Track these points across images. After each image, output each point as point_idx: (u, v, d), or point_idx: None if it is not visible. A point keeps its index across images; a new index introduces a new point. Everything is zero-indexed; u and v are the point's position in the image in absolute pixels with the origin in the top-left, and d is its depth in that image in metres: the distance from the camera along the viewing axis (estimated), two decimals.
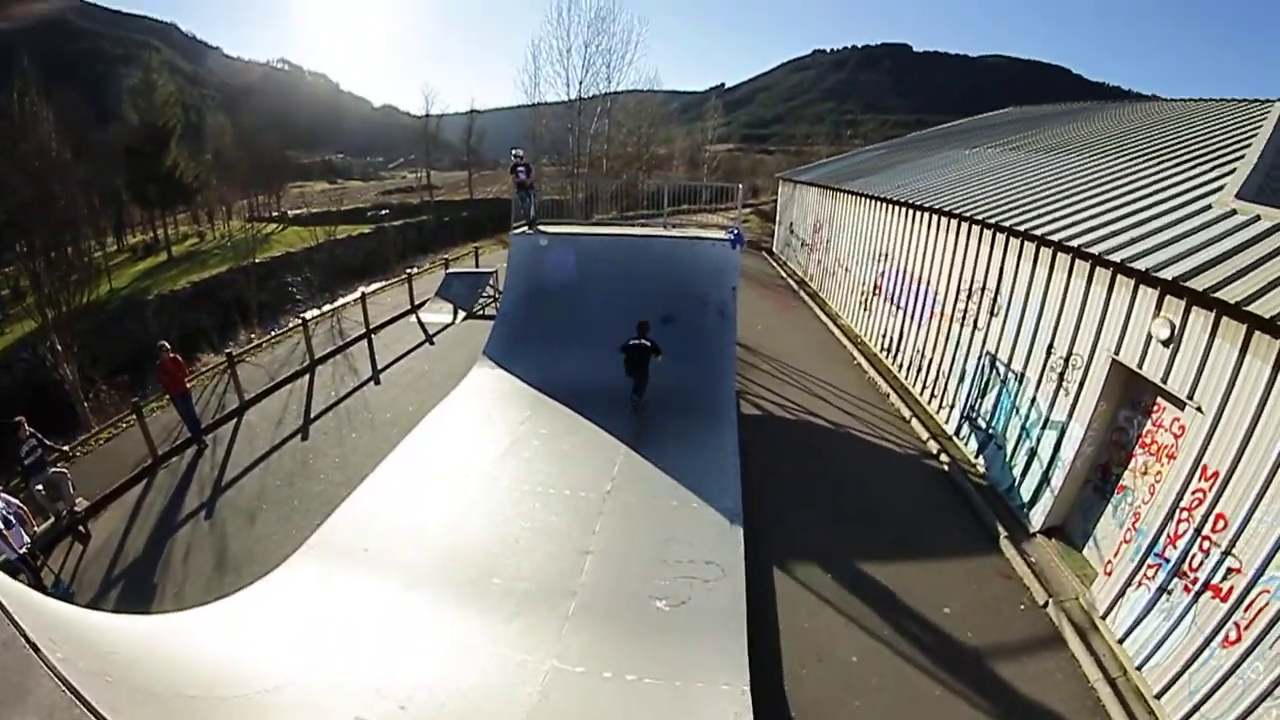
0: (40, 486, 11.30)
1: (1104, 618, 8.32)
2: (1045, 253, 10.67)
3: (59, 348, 28.91)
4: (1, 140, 36.94)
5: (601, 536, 10.06)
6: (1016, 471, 10.97)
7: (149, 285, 46.30)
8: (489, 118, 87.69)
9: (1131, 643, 7.78)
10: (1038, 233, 10.68)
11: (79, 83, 52.37)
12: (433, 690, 7.28)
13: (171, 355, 13.64)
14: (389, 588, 9.02)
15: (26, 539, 10.08)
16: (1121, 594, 8.11)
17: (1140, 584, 7.86)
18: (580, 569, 9.38)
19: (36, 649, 4.75)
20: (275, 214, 68.24)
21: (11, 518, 9.92)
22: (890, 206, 17.67)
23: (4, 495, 10.17)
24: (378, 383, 17.14)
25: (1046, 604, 8.86)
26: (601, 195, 26.89)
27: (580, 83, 49.18)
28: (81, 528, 11.51)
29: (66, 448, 13.33)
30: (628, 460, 12.11)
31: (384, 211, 64.87)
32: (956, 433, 13.29)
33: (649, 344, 13.31)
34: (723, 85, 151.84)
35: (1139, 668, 7.57)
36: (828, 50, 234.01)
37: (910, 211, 16.24)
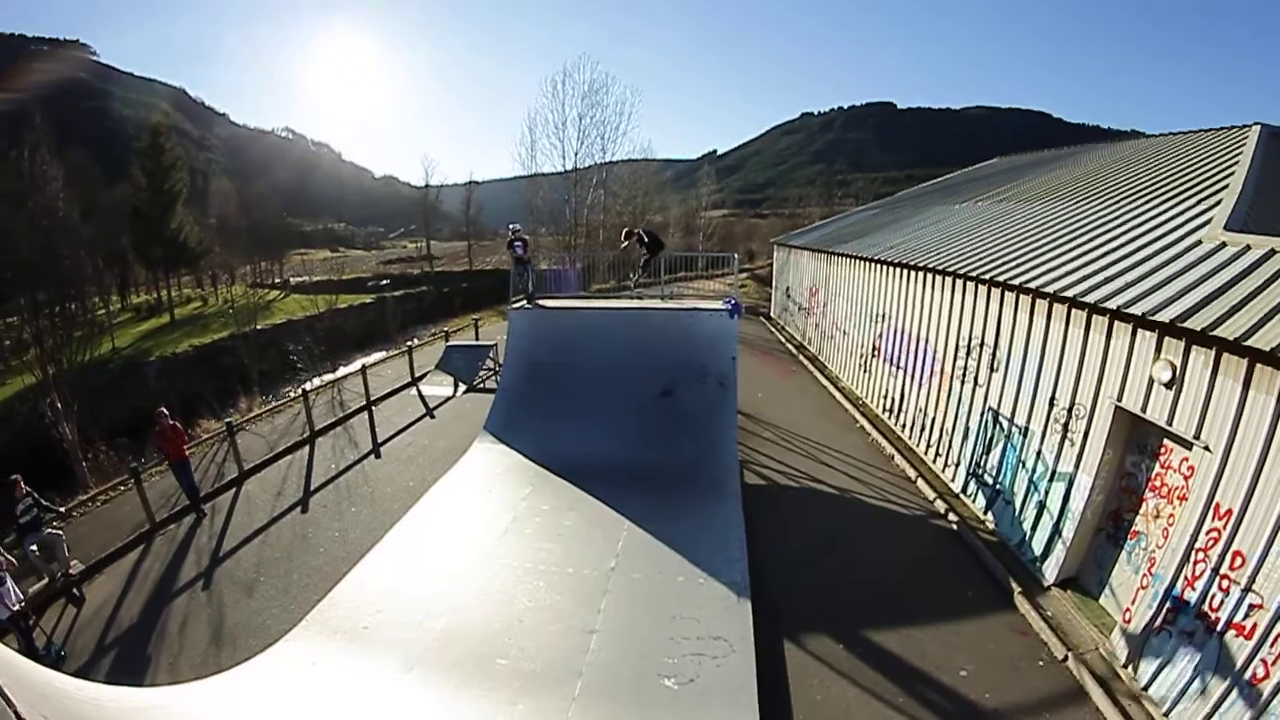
0: (34, 547, 11.27)
1: (1126, 666, 8.18)
2: (1041, 304, 10.70)
3: (59, 405, 28.91)
4: (10, 197, 37.50)
5: (607, 615, 9.86)
6: (1027, 525, 10.85)
7: (151, 346, 46.78)
8: (487, 189, 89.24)
9: (1157, 688, 7.64)
10: (1032, 285, 10.74)
11: (90, 139, 53.60)
12: None
13: (171, 423, 13.65)
14: (388, 668, 8.85)
15: (19, 597, 9.95)
16: (1143, 641, 7.99)
17: (1161, 629, 7.75)
18: (586, 648, 9.17)
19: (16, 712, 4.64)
20: (277, 280, 69.20)
21: (4, 574, 9.81)
22: (885, 267, 17.78)
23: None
24: (378, 456, 17.05)
25: (1066, 658, 8.68)
26: (599, 265, 27.16)
27: (576, 154, 50.59)
28: (76, 590, 11.45)
29: (63, 509, 13.34)
30: (631, 535, 11.93)
31: (385, 281, 65.70)
32: (963, 490, 13.16)
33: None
34: (714, 152, 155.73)
35: (1166, 714, 7.42)
36: (815, 113, 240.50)
37: (905, 271, 16.32)
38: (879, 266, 18.21)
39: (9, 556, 10.27)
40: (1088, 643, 8.85)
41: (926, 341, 15.10)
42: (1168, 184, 13.35)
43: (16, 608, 9.76)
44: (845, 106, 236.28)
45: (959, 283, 13.41)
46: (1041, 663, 8.70)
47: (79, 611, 11.00)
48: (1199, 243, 9.59)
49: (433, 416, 20.11)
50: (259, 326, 45.50)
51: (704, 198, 73.57)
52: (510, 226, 18.66)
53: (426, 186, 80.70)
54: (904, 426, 16.37)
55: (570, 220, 51.26)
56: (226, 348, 45.03)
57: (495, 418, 16.56)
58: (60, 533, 11.82)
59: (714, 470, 13.95)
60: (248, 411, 22.13)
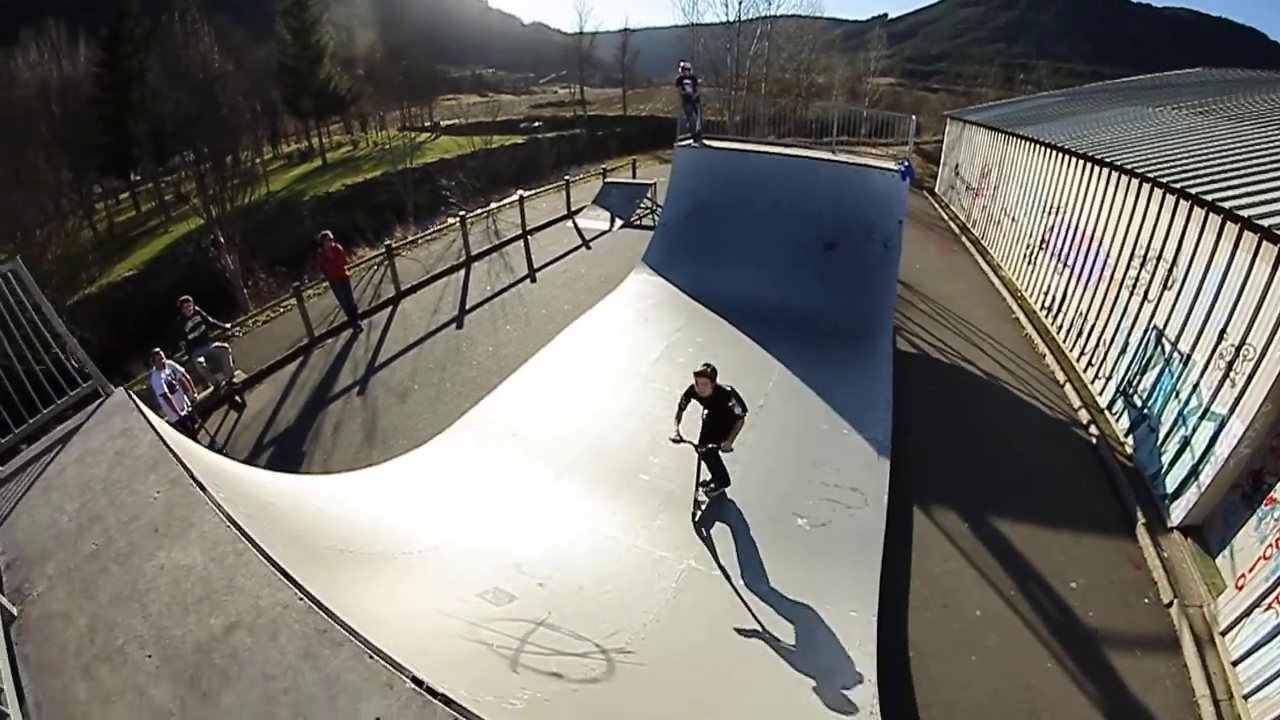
0: (202, 359, 11.91)
1: (1224, 634, 7.51)
2: (1231, 228, 9.42)
3: (221, 240, 30.69)
4: (167, 56, 39.40)
5: (751, 449, 9.71)
6: (1165, 459, 9.95)
7: (304, 188, 48.23)
8: (643, 36, 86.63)
9: (1246, 668, 7.00)
10: (1225, 205, 9.49)
11: (228, 7, 54.59)
12: (572, 572, 7.31)
13: (333, 244, 14.05)
14: (535, 472, 9.11)
15: (188, 403, 10.66)
16: (1247, 614, 7.26)
17: (1269, 607, 6.98)
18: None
19: (203, 487, 4.96)
20: (427, 124, 69.47)
21: (176, 384, 10.48)
22: (1066, 157, 16.21)
23: (171, 363, 10.68)
24: (534, 281, 17.24)
25: (1171, 604, 8.12)
26: (758, 119, 26.06)
27: (740, 2, 47.88)
28: (238, 398, 12.12)
29: (228, 325, 13.97)
30: (782, 378, 11.76)
31: (537, 124, 64.74)
32: (1109, 406, 12.19)
33: (721, 405, 8.32)
34: (885, 15, 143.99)
35: (1246, 696, 6.81)
36: None
37: (1087, 165, 14.81)
38: (1060, 155, 16.62)
39: (182, 370, 10.93)
40: (1194, 597, 8.18)
41: (1099, 243, 13.79)
42: None
43: (184, 412, 10.48)
44: None
45: (1145, 187, 12.03)
46: (1147, 600, 8.24)
47: (240, 416, 11.65)
48: None
49: (588, 248, 20.12)
50: (412, 164, 45.83)
51: (872, 62, 69.70)
52: (680, 65, 18.01)
53: (581, 32, 79.86)
54: (1060, 328, 15.21)
55: (731, 71, 49.39)
56: (379, 185, 46.14)
57: (655, 251, 16.39)
58: (226, 346, 12.44)
59: (868, 329, 13.52)
60: (404, 239, 22.58)
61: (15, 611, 4.23)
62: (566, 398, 11.01)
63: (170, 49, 40.57)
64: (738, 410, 8.06)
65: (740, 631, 6.98)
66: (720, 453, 8.42)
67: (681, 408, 8.41)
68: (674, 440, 8.20)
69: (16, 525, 4.99)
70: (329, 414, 11.43)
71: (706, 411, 8.46)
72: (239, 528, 4.60)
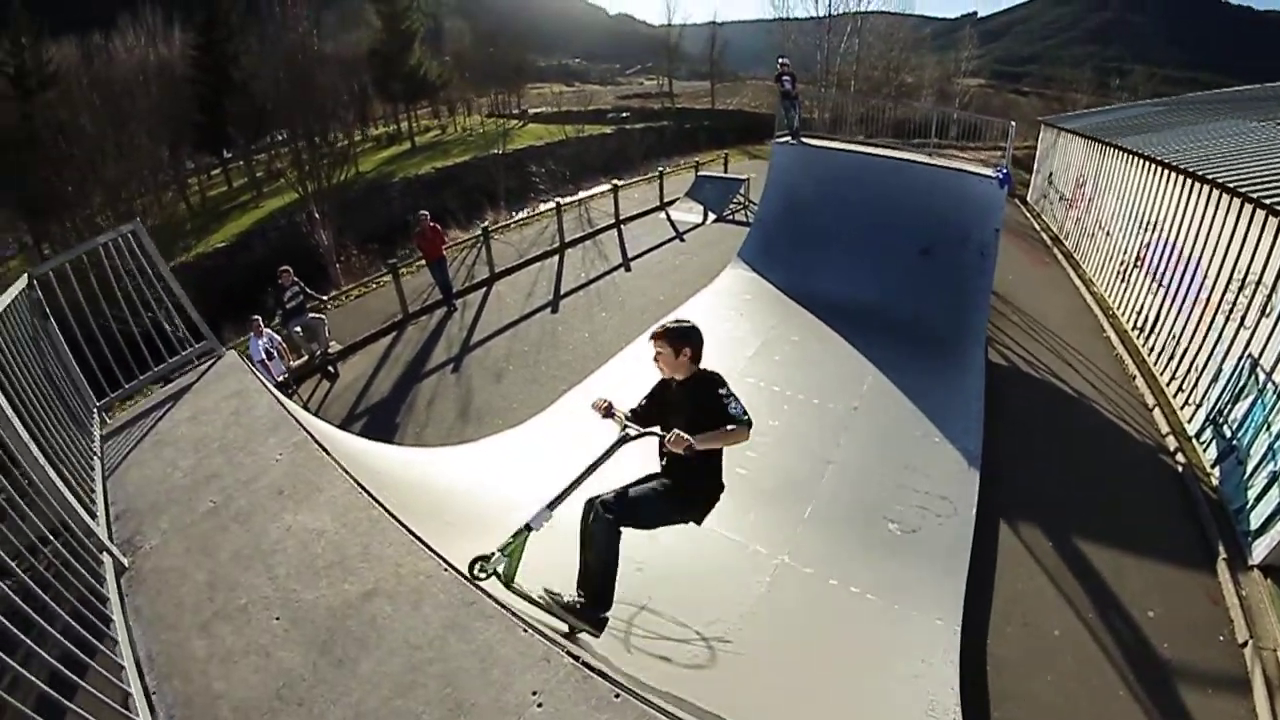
0: (299, 329, 12.28)
1: None
2: None
3: (315, 215, 31.63)
4: (265, 40, 41.47)
5: (845, 450, 9.79)
6: (1251, 494, 9.50)
7: (393, 170, 49.25)
8: (730, 29, 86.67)
9: None
10: None
11: None
12: (668, 559, 7.32)
13: (431, 223, 14.33)
14: None
15: (284, 369, 11.03)
16: None
17: None
18: (821, 476, 9.21)
19: (328, 452, 4.91)
20: (515, 111, 70.19)
21: (273, 350, 10.84)
22: (1165, 171, 15.47)
23: (269, 331, 11.04)
24: (628, 270, 17.34)
25: (1245, 644, 7.81)
26: (847, 117, 25.77)
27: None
28: (332, 367, 12.49)
29: (325, 298, 14.35)
30: (876, 381, 11.66)
31: (624, 114, 64.80)
32: (1197, 435, 11.68)
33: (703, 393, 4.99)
34: (975, 14, 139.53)
35: None
36: None
37: (1187, 180, 14.14)
38: (1160, 169, 15.85)
39: (278, 337, 11.30)
40: (1269, 639, 7.86)
41: (1197, 264, 13.16)
42: None
43: (281, 378, 10.80)
44: None
45: (1247, 207, 11.43)
46: (1222, 638, 8.00)
47: (333, 385, 11.97)
48: None
49: (682, 240, 20.10)
50: (503, 150, 46.94)
51: (963, 63, 68.19)
52: (780, 61, 17.83)
53: (669, 25, 79.88)
54: (1151, 350, 14.59)
55: (821, 67, 49.08)
56: (468, 169, 46.86)
57: (750, 246, 16.29)
58: (322, 317, 12.79)
59: (961, 338, 13.31)
60: (497, 223, 22.99)
61: (127, 563, 4.13)
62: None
63: (268, 33, 42.03)
64: (733, 409, 4.79)
65: (833, 629, 7.00)
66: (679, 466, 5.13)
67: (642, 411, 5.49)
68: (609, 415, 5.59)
69: (127, 478, 4.94)
70: (422, 389, 11.65)
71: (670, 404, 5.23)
72: (370, 494, 4.49)
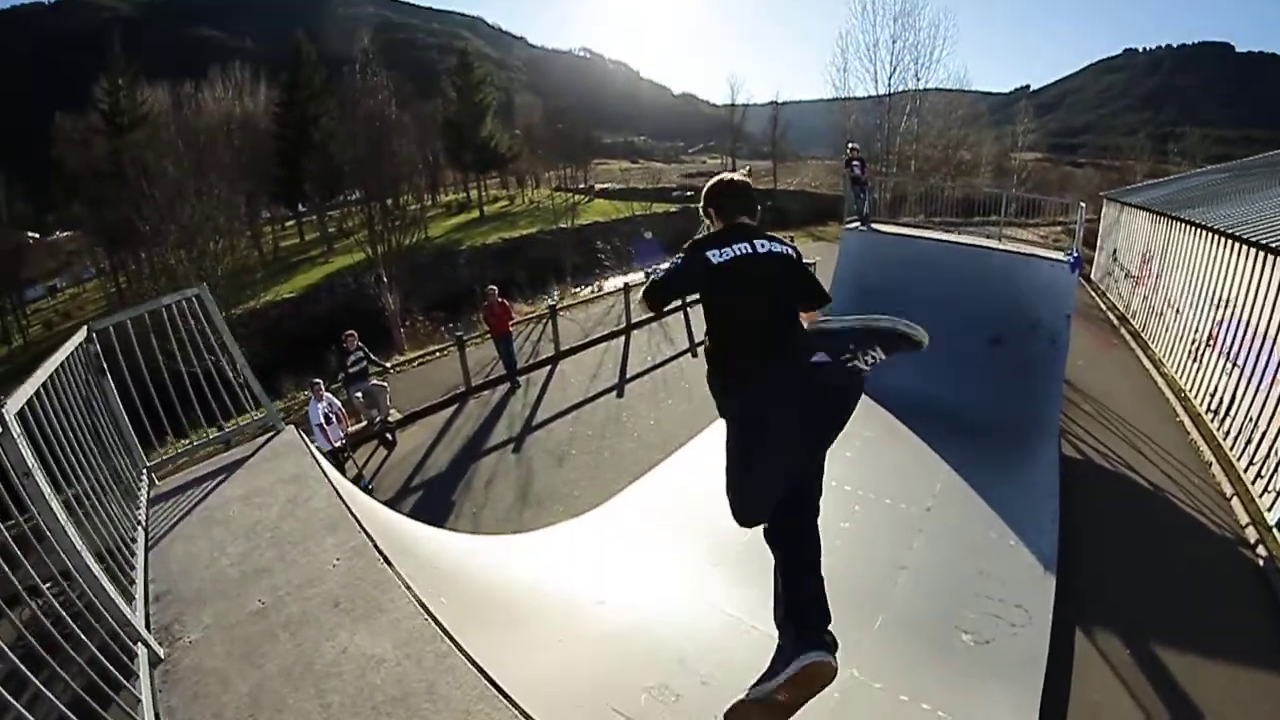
0: (360, 394, 12.37)
1: None
2: None
3: (385, 278, 32.36)
4: (345, 103, 44.17)
5: (918, 554, 9.45)
6: None
7: (461, 238, 50.83)
8: (791, 109, 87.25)
9: None
10: None
11: (399, 66, 58.74)
12: (733, 673, 6.91)
13: (500, 300, 14.41)
14: (696, 559, 8.88)
15: (342, 435, 11.04)
16: None
17: None
18: (894, 582, 8.87)
19: (391, 565, 4.53)
20: (582, 186, 71.54)
21: (332, 415, 10.87)
22: (1235, 244, 15.07)
23: (328, 394, 11.08)
24: (694, 355, 17.14)
25: None
26: (909, 197, 25.71)
27: (889, 78, 48.55)
28: (390, 435, 12.50)
29: (389, 365, 14.47)
30: (950, 481, 11.31)
31: (689, 192, 65.59)
32: (1278, 525, 11.16)
33: (789, 251, 4.00)
34: (1028, 87, 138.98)
35: None
36: (1140, 50, 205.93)
37: (1259, 253, 13.77)
38: (1228, 241, 15.44)
39: (339, 402, 11.39)
40: None
41: (1275, 342, 12.82)
42: None
43: (338, 444, 10.84)
44: (1174, 45, 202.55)
45: None
46: None
47: (389, 454, 11.95)
48: None
49: None
50: (570, 224, 47.80)
51: (1019, 136, 67.94)
52: (850, 146, 18.00)
53: (733, 105, 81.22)
54: (1227, 434, 14.06)
55: (881, 147, 48.97)
56: (535, 241, 48.24)
57: None
58: (385, 385, 12.84)
59: (1034, 431, 12.91)
60: (564, 299, 23.13)
61: (163, 654, 3.78)
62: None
63: (349, 97, 44.04)
64: None
65: None
66: None
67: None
68: None
69: (170, 554, 4.63)
70: (481, 467, 11.57)
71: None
72: (437, 621, 4.07)
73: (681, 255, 3.77)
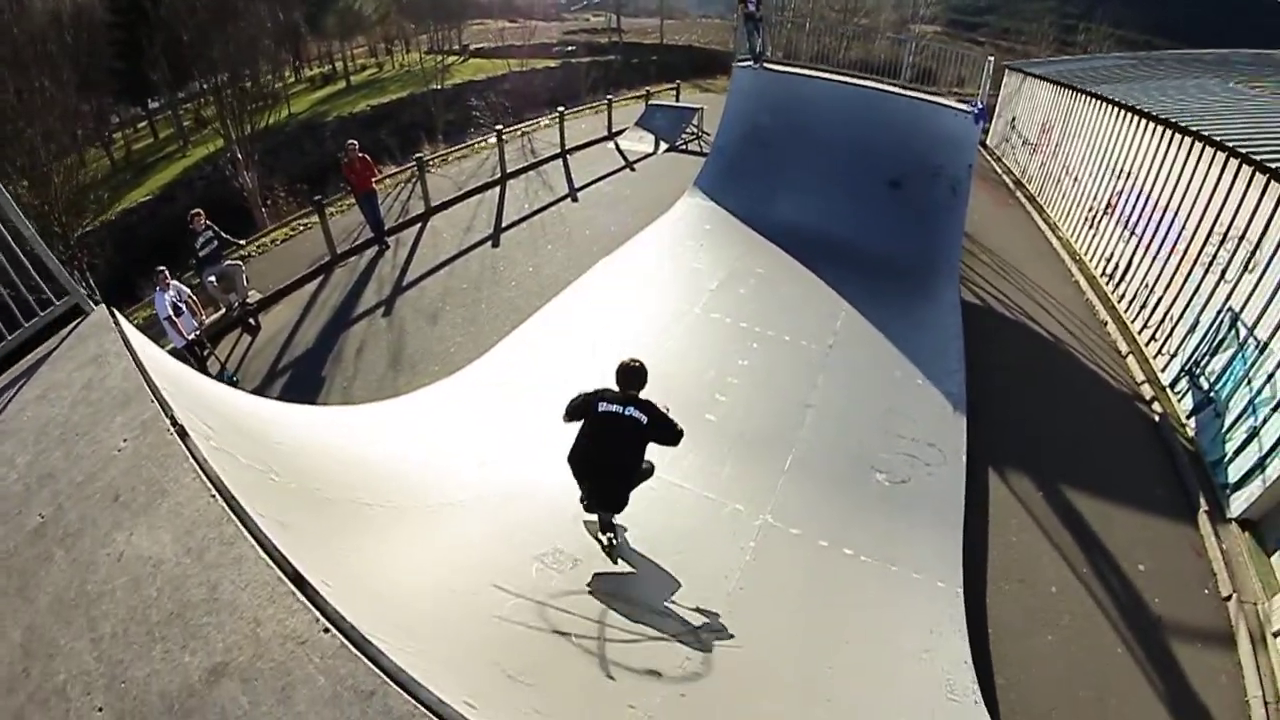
0: (213, 278, 11.26)
1: (1276, 635, 7.23)
2: None
3: (239, 157, 30.35)
4: None
5: (823, 392, 9.20)
6: (1229, 447, 9.46)
7: (328, 109, 47.90)
8: None
9: None
10: None
11: None
12: (637, 525, 6.61)
13: (360, 155, 13.23)
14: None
15: (195, 326, 10.07)
16: None
17: None
18: (801, 422, 8.63)
19: (184, 433, 3.69)
20: (456, 47, 67.66)
21: (182, 305, 9.85)
22: (1142, 120, 15.24)
23: (176, 284, 10.04)
24: (575, 200, 16.52)
25: (1229, 598, 7.85)
26: (802, 54, 25.06)
27: None
28: (252, 320, 11.57)
29: (244, 242, 13.38)
30: (850, 318, 11.06)
31: (570, 48, 63.42)
32: (1172, 385, 11.60)
33: (642, 418, 5.69)
34: None
35: None
36: None
37: (1166, 130, 13.90)
38: (1135, 117, 15.62)
39: (189, 291, 10.34)
40: (1250, 594, 7.90)
41: (1174, 215, 13.04)
42: None
43: (192, 336, 9.88)
44: None
45: (1234, 162, 11.22)
46: (1207, 591, 8.02)
47: (253, 340, 11.09)
48: None
49: (633, 169, 19.19)
50: (441, 85, 45.65)
51: (919, 6, 68.16)
52: None
53: None
54: (1123, 297, 14.50)
55: (775, 2, 47.95)
56: (406, 105, 45.86)
57: (708, 174, 15.50)
58: (240, 264, 11.90)
59: (935, 275, 12.86)
60: (434, 155, 21.46)
61: None
62: (618, 322, 10.32)
63: None
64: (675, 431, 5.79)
65: (831, 602, 6.50)
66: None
67: (573, 416, 5.86)
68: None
69: None
70: (351, 336, 10.82)
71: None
72: (228, 497, 3.29)
73: (584, 396, 5.85)
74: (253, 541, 3.03)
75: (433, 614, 4.35)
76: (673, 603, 5.74)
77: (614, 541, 6.15)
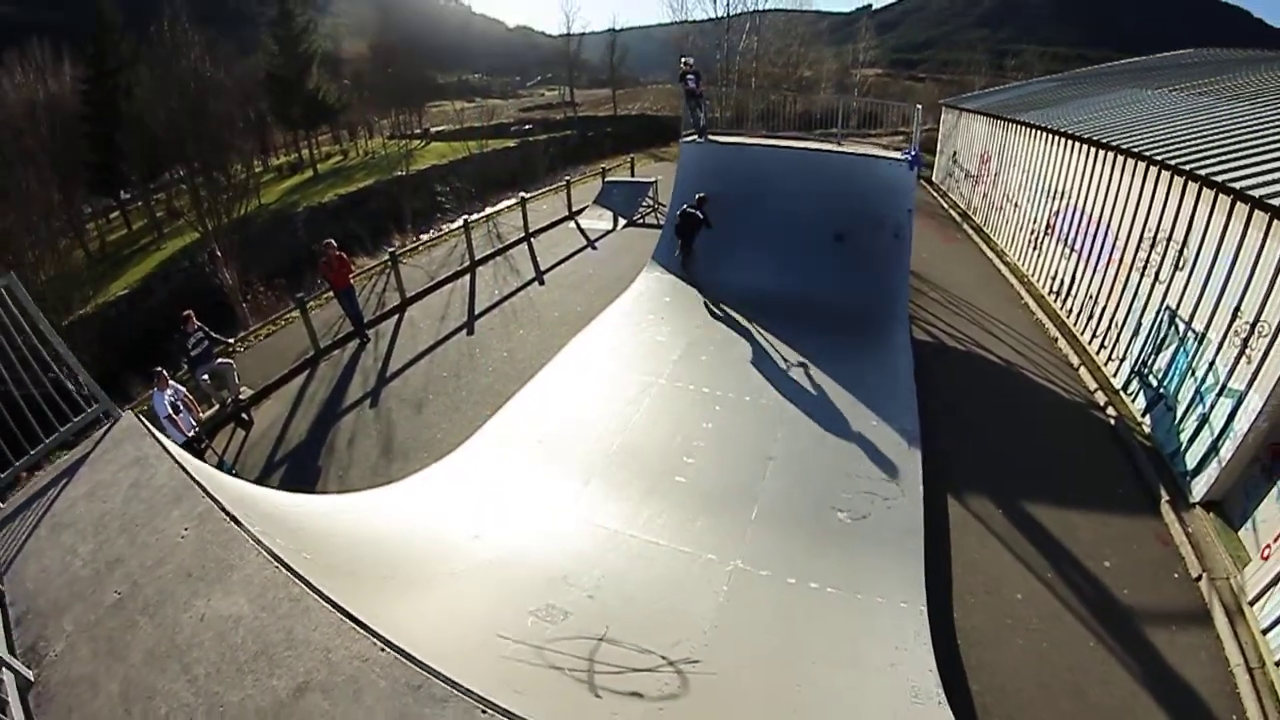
0: (206, 377, 11.64)
1: (1252, 604, 7.68)
2: (1242, 208, 9.47)
3: (218, 254, 30.41)
4: (156, 68, 39.56)
5: (783, 444, 9.82)
6: (1184, 437, 10.11)
7: (297, 199, 47.90)
8: (630, 35, 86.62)
9: (1276, 635, 7.15)
10: (1235, 185, 9.50)
11: (214, 19, 54.34)
12: (619, 581, 7.21)
13: (337, 252, 13.70)
14: (567, 479, 9.01)
15: (194, 423, 10.43)
16: (1274, 583, 7.43)
17: None
18: (763, 474, 9.21)
19: (238, 521, 4.51)
20: (418, 131, 68.61)
21: (180, 404, 10.23)
22: (1070, 142, 16.24)
23: (174, 384, 10.44)
24: (542, 283, 17.09)
25: (1199, 578, 8.29)
26: (749, 114, 25.98)
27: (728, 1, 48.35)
28: (245, 415, 11.88)
29: (231, 340, 13.74)
30: (805, 372, 11.75)
31: (528, 126, 64.17)
32: (1124, 388, 12.31)
33: (700, 215, 14.35)
34: (870, 6, 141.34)
35: (1279, 663, 6.96)
36: None
37: (1092, 149, 14.85)
38: (1064, 140, 16.67)
39: (185, 390, 10.73)
40: (1221, 570, 8.39)
41: (1107, 227, 13.84)
42: None
43: (190, 433, 10.22)
44: None
45: (1154, 170, 12.06)
46: (1176, 576, 8.46)
47: (248, 434, 11.38)
48: None
49: (594, 248, 19.86)
50: (407, 171, 46.30)
51: (860, 53, 69.92)
52: (683, 60, 17.70)
53: (569, 34, 78.56)
54: (1070, 312, 15.34)
55: (720, 67, 49.55)
56: (372, 193, 46.09)
57: (664, 248, 16.21)
58: (230, 362, 12.22)
59: (885, 320, 13.54)
60: (404, 246, 22.21)
61: (32, 676, 3.72)
62: (590, 401, 10.90)
63: (159, 60, 40.37)
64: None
65: (800, 629, 6.96)
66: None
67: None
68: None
69: (24, 573, 4.47)
70: (341, 428, 11.20)
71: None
72: (288, 567, 4.11)
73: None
74: (316, 596, 3.84)
75: (449, 651, 4.95)
76: (653, 643, 6.19)
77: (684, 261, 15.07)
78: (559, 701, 4.85)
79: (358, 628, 3.66)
